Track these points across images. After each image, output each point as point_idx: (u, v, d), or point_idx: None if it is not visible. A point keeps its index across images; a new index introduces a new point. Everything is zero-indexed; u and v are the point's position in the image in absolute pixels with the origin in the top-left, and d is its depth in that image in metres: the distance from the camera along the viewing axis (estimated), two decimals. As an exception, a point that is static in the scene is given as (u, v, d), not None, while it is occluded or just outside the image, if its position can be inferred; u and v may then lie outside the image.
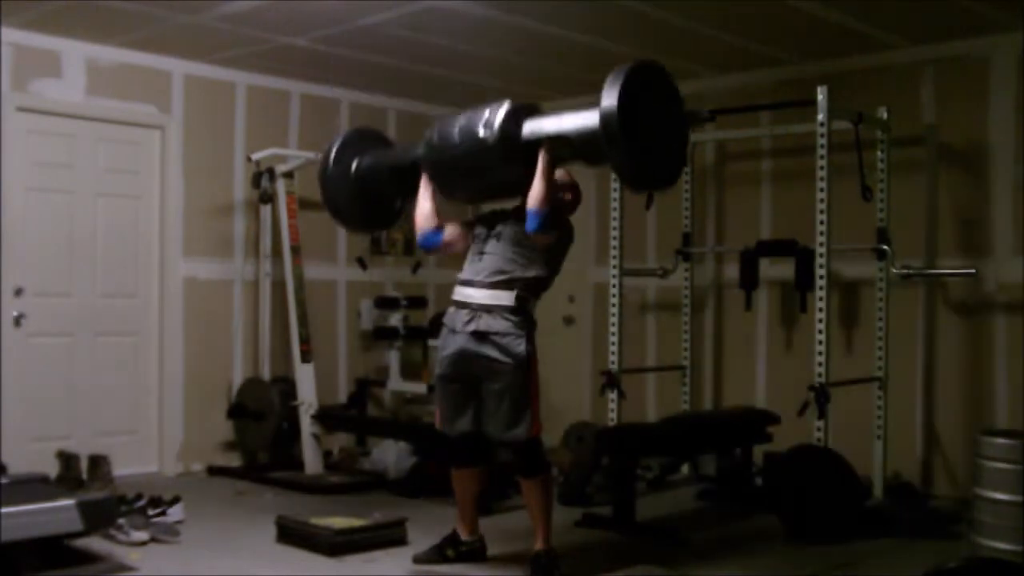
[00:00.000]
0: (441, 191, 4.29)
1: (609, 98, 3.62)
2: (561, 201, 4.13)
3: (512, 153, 3.96)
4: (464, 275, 4.15)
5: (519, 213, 4.03)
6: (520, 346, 3.98)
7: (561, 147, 3.90)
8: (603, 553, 4.55)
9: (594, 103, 3.66)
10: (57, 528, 3.96)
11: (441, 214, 4.30)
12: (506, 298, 4.01)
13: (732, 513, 5.35)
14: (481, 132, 3.97)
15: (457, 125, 4.08)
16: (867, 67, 5.91)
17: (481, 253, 4.13)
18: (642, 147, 3.70)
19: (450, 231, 4.29)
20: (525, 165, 3.93)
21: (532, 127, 3.99)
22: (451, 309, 4.16)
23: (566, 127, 3.90)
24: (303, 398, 6.20)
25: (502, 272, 4.04)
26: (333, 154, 4.58)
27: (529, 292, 4.05)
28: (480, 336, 4.00)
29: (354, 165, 4.58)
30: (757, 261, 5.94)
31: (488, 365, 4.00)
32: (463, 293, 4.11)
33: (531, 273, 4.05)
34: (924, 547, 4.63)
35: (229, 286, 6.55)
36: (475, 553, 4.35)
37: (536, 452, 4.11)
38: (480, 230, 4.20)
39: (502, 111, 3.98)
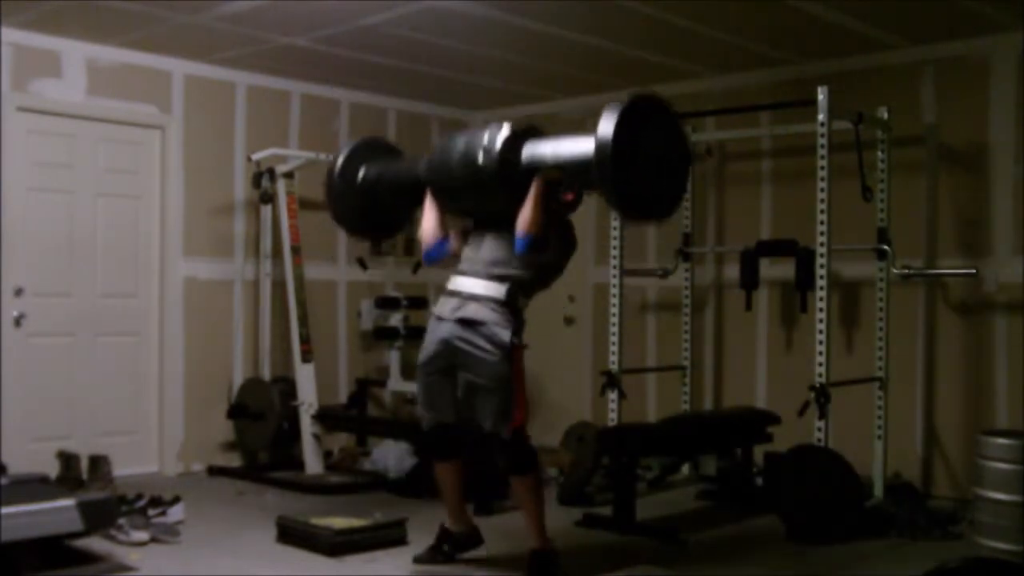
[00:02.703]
0: (442, 207, 4.30)
1: (605, 126, 3.61)
2: (559, 205, 4.07)
3: (508, 178, 3.98)
4: (462, 265, 4.16)
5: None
6: (505, 335, 3.96)
7: (556, 174, 3.90)
8: (603, 553, 4.55)
9: (591, 131, 3.65)
10: (57, 528, 3.95)
11: (446, 226, 4.31)
12: (497, 291, 4.01)
13: (732, 513, 5.35)
14: (480, 156, 3.99)
15: (458, 146, 4.10)
16: (867, 67, 5.91)
17: (481, 244, 4.14)
18: (635, 179, 3.69)
19: (454, 241, 4.29)
20: (521, 190, 3.94)
21: (530, 152, 4.00)
22: (442, 297, 4.17)
23: (562, 153, 3.91)
24: (303, 398, 6.20)
25: (499, 264, 4.05)
26: (340, 164, 4.59)
27: (522, 289, 4.06)
28: (465, 323, 4.00)
29: (360, 175, 4.60)
30: (757, 261, 5.94)
31: (472, 353, 3.98)
32: (457, 282, 4.13)
33: (527, 272, 4.05)
34: (924, 547, 4.63)
35: (229, 286, 6.55)
36: (470, 539, 4.34)
37: (522, 446, 4.09)
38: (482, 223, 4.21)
39: (501, 136, 4.00)
